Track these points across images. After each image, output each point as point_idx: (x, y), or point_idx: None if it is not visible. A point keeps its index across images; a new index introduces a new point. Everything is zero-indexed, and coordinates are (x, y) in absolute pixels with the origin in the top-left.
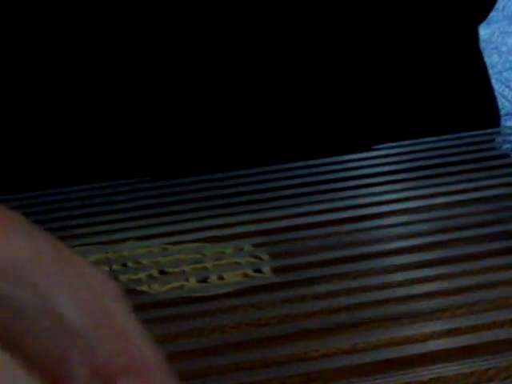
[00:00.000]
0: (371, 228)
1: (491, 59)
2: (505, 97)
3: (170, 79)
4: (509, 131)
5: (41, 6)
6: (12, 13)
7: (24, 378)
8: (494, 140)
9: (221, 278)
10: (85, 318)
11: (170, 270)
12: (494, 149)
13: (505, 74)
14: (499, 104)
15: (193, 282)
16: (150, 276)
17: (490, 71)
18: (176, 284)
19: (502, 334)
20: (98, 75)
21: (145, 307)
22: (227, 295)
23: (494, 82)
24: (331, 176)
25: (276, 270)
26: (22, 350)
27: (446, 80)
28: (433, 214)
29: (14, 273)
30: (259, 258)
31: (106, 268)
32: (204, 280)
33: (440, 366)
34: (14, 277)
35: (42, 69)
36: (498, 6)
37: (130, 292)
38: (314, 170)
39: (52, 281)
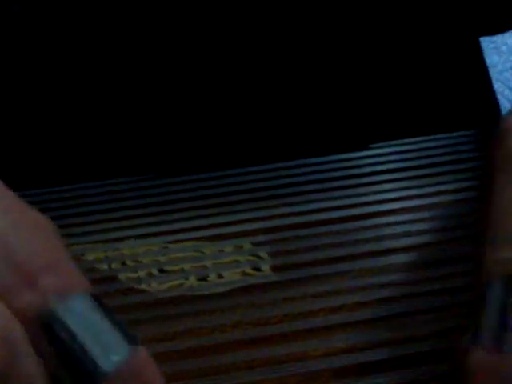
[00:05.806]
0: (370, 227)
1: (491, 59)
2: (505, 96)
3: (169, 78)
4: None
5: (41, 5)
6: (12, 13)
7: None
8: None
9: (220, 276)
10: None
11: (170, 268)
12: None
13: (505, 73)
14: (499, 104)
15: (192, 280)
16: (150, 274)
17: (491, 71)
18: (175, 282)
19: None
20: (98, 75)
21: (144, 306)
22: (227, 294)
23: (494, 81)
24: (328, 175)
25: (275, 269)
26: None
27: (446, 79)
28: (432, 213)
29: None
30: (259, 256)
31: (105, 266)
32: (203, 278)
33: (443, 364)
34: None
35: (43, 68)
36: None
37: (129, 290)
38: (311, 168)
39: None
